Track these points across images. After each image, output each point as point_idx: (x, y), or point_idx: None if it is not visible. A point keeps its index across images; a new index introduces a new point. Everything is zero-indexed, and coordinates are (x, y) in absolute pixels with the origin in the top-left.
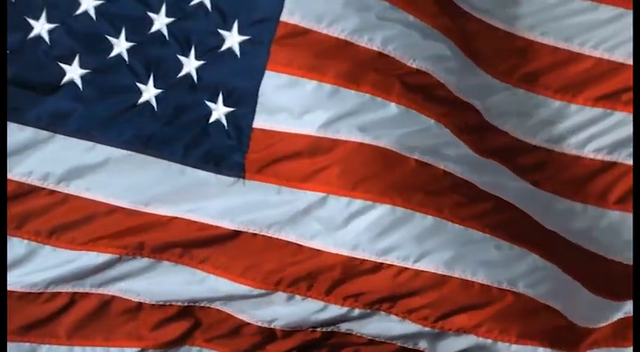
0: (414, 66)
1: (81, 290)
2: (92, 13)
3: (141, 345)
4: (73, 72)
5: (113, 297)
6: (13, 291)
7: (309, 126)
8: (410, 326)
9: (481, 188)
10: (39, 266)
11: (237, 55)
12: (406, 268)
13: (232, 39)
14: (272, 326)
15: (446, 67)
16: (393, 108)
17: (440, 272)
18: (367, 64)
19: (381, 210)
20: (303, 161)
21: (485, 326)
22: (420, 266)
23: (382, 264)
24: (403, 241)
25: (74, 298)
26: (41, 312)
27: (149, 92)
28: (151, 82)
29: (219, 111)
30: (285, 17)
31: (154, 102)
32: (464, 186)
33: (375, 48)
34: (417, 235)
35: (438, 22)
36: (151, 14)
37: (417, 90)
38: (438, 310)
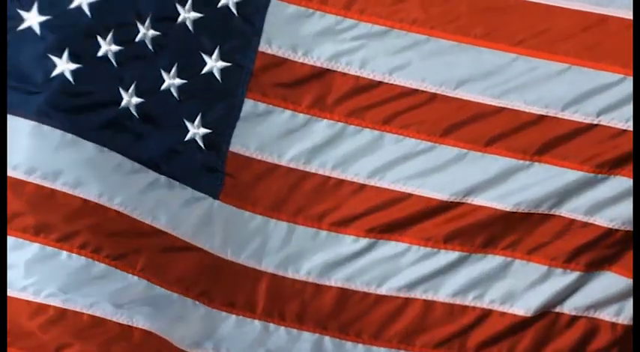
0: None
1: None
2: (86, 8)
3: None
4: (64, 65)
5: None
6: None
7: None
8: None
9: None
10: None
11: (218, 80)
12: None
13: (213, 63)
14: None
15: None
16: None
17: None
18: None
19: None
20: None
21: None
22: None
23: None
24: None
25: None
26: None
27: (129, 99)
28: (132, 89)
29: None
30: (263, 48)
31: (133, 110)
32: None
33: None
34: None
35: None
36: (138, 23)
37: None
38: None
